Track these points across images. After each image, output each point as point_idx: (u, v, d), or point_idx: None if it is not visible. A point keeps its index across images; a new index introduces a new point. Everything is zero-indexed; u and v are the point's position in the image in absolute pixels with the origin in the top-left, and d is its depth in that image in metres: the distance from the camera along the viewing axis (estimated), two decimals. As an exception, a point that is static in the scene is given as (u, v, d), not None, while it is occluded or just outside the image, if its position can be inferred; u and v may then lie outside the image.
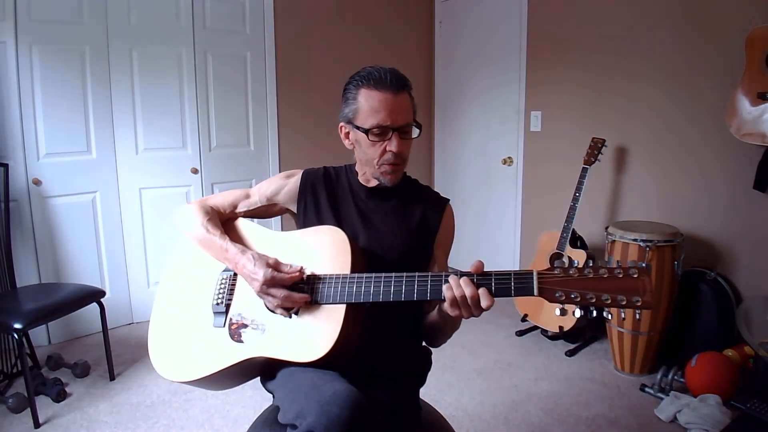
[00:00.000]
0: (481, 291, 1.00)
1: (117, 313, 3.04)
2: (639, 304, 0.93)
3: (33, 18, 2.68)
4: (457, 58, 3.99)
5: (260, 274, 1.14)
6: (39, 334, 2.81)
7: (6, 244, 2.46)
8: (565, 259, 2.78)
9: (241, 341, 1.19)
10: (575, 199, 2.76)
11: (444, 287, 1.02)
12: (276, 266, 1.16)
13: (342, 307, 1.11)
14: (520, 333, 3.05)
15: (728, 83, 2.40)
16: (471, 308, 1.01)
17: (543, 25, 3.32)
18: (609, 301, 0.94)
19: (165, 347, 1.27)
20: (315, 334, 1.11)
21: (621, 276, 0.94)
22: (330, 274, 1.14)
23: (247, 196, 1.38)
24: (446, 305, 1.03)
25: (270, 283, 1.13)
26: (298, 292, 1.14)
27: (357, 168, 1.35)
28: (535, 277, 0.98)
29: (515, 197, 3.65)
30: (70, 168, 2.87)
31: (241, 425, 2.12)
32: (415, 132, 1.25)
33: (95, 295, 2.42)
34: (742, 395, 1.99)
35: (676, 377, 2.32)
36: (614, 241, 2.51)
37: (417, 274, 1.07)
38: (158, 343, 1.29)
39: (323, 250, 1.19)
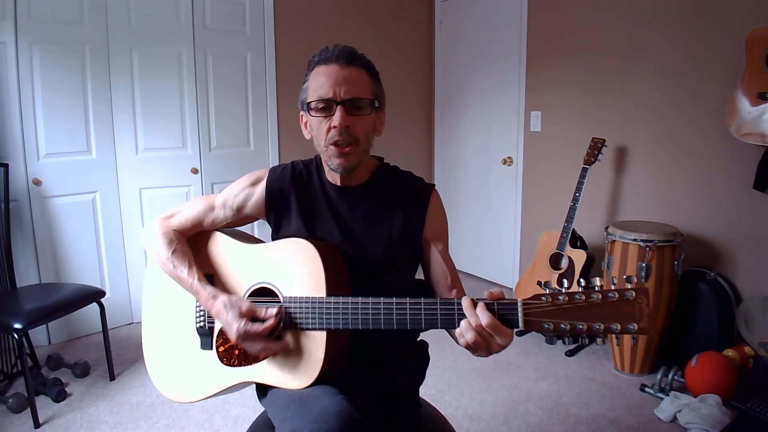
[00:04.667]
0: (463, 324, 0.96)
1: (117, 313, 3.04)
2: (634, 330, 0.87)
3: (33, 18, 2.68)
4: (457, 58, 3.99)
5: (234, 327, 1.07)
6: (39, 334, 2.81)
7: (6, 244, 2.46)
8: (565, 260, 2.78)
9: (231, 365, 1.16)
10: (575, 199, 2.76)
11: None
12: (250, 314, 1.09)
13: (323, 332, 1.08)
14: (520, 333, 3.05)
15: (728, 83, 2.39)
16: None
17: (543, 25, 3.32)
18: (601, 330, 0.88)
19: (162, 368, 1.27)
20: (302, 359, 1.09)
21: (615, 299, 0.88)
22: (307, 298, 1.08)
23: (212, 209, 1.27)
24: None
25: (244, 337, 1.07)
26: (280, 315, 1.11)
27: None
28: (520, 308, 0.92)
29: (515, 197, 3.65)
30: (70, 168, 2.88)
31: (241, 425, 2.12)
32: (369, 109, 1.14)
33: (95, 295, 2.42)
34: (742, 395, 2.00)
35: (676, 377, 2.32)
36: (614, 241, 2.51)
37: (395, 302, 1.02)
38: (155, 364, 1.27)
39: (297, 266, 1.12)
